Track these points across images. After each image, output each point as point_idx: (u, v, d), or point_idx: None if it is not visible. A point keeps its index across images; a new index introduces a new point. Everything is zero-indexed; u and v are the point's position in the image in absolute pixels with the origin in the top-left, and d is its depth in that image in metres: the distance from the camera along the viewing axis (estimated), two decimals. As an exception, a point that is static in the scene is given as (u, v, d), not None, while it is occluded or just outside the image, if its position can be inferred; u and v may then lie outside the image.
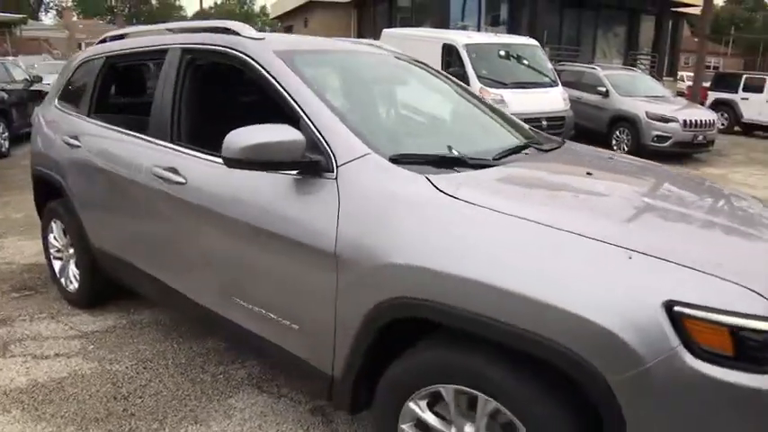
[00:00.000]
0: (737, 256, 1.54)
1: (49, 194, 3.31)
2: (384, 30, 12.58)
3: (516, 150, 2.24)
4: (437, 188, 1.68)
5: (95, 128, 2.89)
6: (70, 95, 3.29)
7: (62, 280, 3.36)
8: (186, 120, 2.41)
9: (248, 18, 67.56)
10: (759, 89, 13.56)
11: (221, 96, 2.93)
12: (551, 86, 10.02)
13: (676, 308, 1.28)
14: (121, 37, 3.16)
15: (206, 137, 2.24)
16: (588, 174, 2.10)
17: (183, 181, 2.22)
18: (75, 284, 3.24)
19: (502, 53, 10.29)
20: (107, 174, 2.69)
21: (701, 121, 9.85)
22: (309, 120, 1.90)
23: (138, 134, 2.56)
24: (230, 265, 2.13)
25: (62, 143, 3.04)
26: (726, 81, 14.54)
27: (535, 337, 1.38)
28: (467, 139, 2.44)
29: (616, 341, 1.29)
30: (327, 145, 1.84)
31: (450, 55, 10.21)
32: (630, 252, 1.39)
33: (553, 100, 9.71)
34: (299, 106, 1.94)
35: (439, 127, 2.58)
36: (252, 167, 1.79)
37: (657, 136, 9.76)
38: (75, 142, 2.94)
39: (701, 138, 9.82)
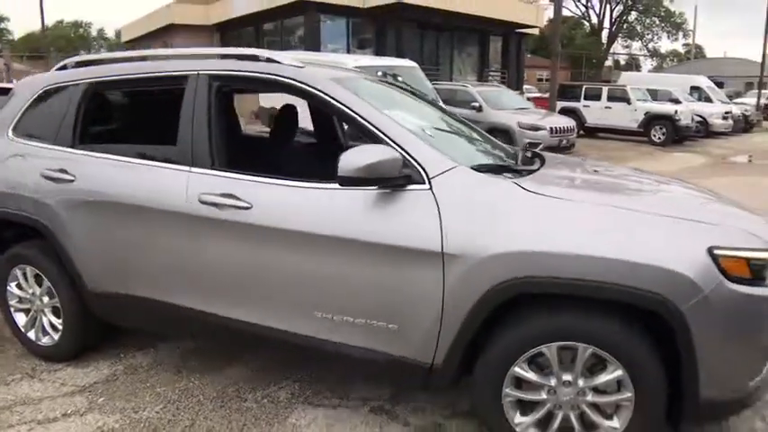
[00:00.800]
0: (728, 215, 2.19)
1: (12, 238, 2.98)
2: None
3: (531, 160, 2.63)
4: (525, 189, 2.03)
5: (93, 159, 2.68)
6: (33, 126, 2.97)
7: (31, 334, 3.02)
8: (227, 145, 2.43)
9: (84, 41, 62.28)
10: (597, 97, 15.86)
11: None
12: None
13: (715, 251, 1.85)
14: (91, 63, 3.02)
15: (253, 161, 2.31)
16: (596, 171, 2.54)
17: (248, 205, 2.23)
18: (54, 336, 2.95)
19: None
20: (123, 207, 2.53)
21: (563, 127, 11.32)
22: (392, 140, 2.12)
23: (163, 163, 2.47)
24: (313, 279, 2.20)
25: (40, 179, 2.76)
26: (570, 91, 16.75)
27: (630, 288, 1.84)
28: (481, 151, 2.76)
29: (685, 280, 1.82)
30: (416, 161, 2.08)
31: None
32: (676, 219, 1.93)
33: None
34: (378, 129, 2.17)
35: (458, 141, 2.85)
36: (362, 184, 1.98)
37: (529, 143, 10.97)
38: (65, 176, 2.69)
39: (564, 142, 11.28)
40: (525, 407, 2.11)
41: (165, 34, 22.32)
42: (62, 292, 2.85)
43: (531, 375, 2.04)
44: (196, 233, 2.35)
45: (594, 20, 46.31)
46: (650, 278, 1.83)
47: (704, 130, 16.39)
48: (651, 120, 14.84)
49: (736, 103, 20.61)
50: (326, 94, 2.29)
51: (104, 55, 3.30)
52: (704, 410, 2.01)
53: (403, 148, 2.08)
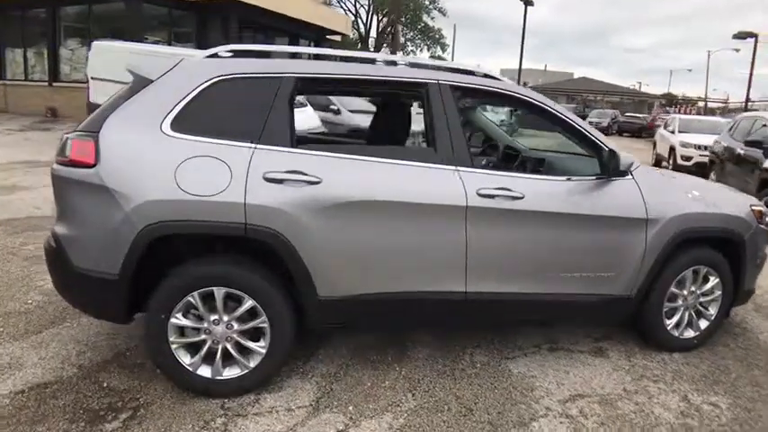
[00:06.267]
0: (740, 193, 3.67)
1: (180, 257, 2.58)
2: (96, 42, 11.22)
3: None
4: (662, 175, 3.31)
5: (337, 160, 2.59)
6: (209, 122, 2.53)
7: (203, 370, 2.60)
8: (472, 148, 2.88)
9: None
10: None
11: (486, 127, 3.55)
12: (302, 107, 10.75)
13: (752, 207, 3.43)
14: (248, 54, 2.83)
15: (504, 160, 2.90)
16: (662, 174, 3.78)
17: (521, 196, 2.74)
18: (248, 363, 2.61)
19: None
20: (377, 205, 2.56)
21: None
22: (605, 145, 2.99)
23: (425, 163, 2.67)
24: (564, 249, 2.87)
25: (261, 182, 2.44)
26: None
27: (722, 229, 3.24)
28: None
29: (746, 222, 3.31)
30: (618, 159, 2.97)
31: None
32: (731, 194, 3.34)
33: (309, 118, 10.69)
34: (593, 136, 3.06)
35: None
36: (621, 176, 3.00)
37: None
38: (304, 177, 2.49)
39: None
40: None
41: None
42: (275, 309, 2.56)
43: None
44: (472, 222, 2.68)
45: (363, 29, 50.28)
46: (734, 222, 3.27)
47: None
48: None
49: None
50: (545, 105, 2.98)
51: (270, 48, 3.10)
52: (746, 297, 3.56)
53: (610, 149, 2.96)
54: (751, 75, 28.18)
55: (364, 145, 3.05)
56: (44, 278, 3.91)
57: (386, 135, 3.10)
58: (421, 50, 56.40)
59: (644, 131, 30.33)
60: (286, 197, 2.47)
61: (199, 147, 2.49)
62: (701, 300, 3.37)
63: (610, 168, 2.92)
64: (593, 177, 2.98)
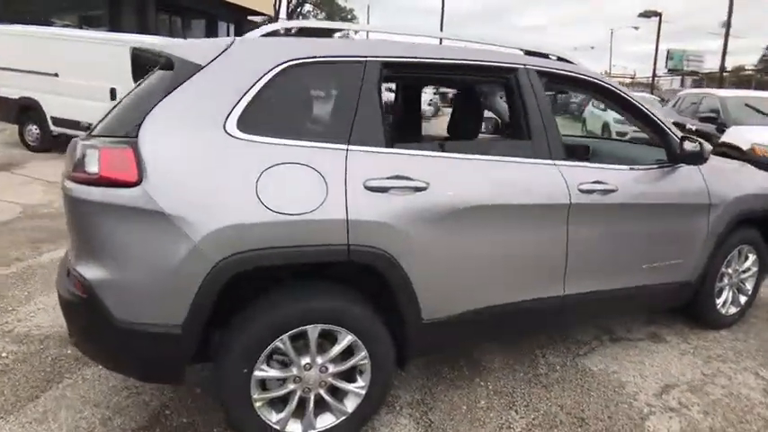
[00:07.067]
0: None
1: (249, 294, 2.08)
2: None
3: None
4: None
5: (437, 159, 2.26)
6: (282, 118, 2.06)
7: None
8: (558, 137, 2.62)
9: None
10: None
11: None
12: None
13: None
14: (326, 33, 2.49)
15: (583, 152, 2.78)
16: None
17: (615, 189, 2.64)
18: (347, 409, 2.22)
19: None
20: (491, 210, 2.31)
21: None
22: (674, 133, 2.96)
23: (525, 159, 2.47)
24: (647, 239, 2.84)
25: (362, 192, 2.03)
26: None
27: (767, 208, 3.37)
28: None
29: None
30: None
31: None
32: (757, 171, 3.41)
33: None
34: (663, 123, 2.98)
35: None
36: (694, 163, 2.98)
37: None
38: (409, 183, 2.11)
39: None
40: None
41: None
42: (378, 342, 2.18)
43: None
44: (574, 220, 2.53)
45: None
46: None
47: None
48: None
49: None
50: (621, 92, 2.90)
51: (338, 25, 2.74)
52: None
53: (679, 138, 2.94)
54: (657, 51, 30.40)
55: (457, 141, 2.76)
56: (10, 316, 3.30)
57: (470, 128, 2.87)
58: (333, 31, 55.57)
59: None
60: (391, 208, 2.07)
61: (280, 151, 1.97)
62: (741, 276, 3.50)
63: (684, 156, 2.88)
64: (664, 165, 2.94)
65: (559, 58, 2.84)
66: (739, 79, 35.55)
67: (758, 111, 7.32)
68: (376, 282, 2.15)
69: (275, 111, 2.05)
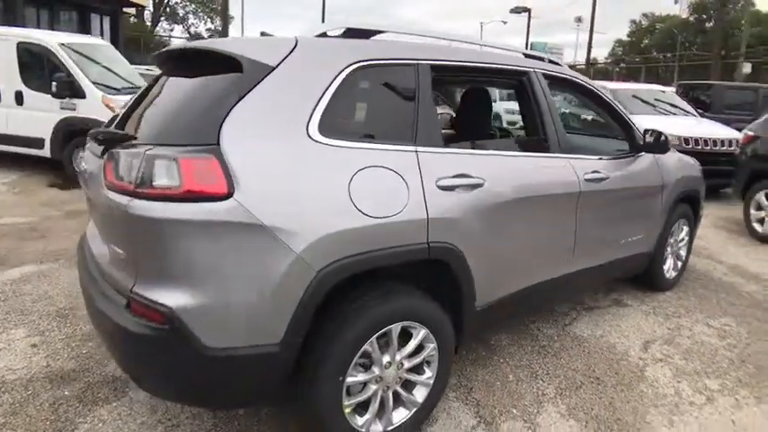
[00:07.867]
0: None
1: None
2: None
3: None
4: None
5: (492, 158, 2.51)
6: (352, 121, 2.19)
7: (376, 427, 2.21)
8: (564, 133, 3.00)
9: None
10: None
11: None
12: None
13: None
14: (365, 34, 2.40)
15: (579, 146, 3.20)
16: None
17: (607, 176, 3.08)
18: (411, 406, 2.29)
19: (97, 56, 9.41)
20: (527, 202, 2.58)
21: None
22: (635, 126, 3.49)
23: (542, 153, 2.81)
24: (626, 217, 3.35)
25: (435, 191, 2.15)
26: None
27: (697, 188, 4.14)
28: None
29: (700, 179, 4.19)
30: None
31: (33, 58, 8.52)
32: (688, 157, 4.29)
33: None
34: (629, 118, 3.50)
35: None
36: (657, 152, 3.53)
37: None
38: (469, 181, 2.29)
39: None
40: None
41: None
42: (444, 332, 2.28)
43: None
44: (581, 206, 2.94)
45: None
46: (698, 181, 4.13)
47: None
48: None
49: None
50: (597, 90, 3.33)
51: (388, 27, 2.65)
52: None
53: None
54: (527, 45, 33.11)
55: (494, 139, 3.14)
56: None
57: (485, 126, 3.14)
58: (205, 23, 52.80)
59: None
60: (458, 205, 2.22)
61: (362, 155, 1.99)
62: (679, 245, 4.17)
63: (650, 146, 3.40)
64: (632, 154, 3.45)
65: (551, 61, 3.20)
66: (595, 71, 39.80)
67: (644, 101, 8.43)
68: (436, 276, 2.30)
69: (348, 114, 2.11)
